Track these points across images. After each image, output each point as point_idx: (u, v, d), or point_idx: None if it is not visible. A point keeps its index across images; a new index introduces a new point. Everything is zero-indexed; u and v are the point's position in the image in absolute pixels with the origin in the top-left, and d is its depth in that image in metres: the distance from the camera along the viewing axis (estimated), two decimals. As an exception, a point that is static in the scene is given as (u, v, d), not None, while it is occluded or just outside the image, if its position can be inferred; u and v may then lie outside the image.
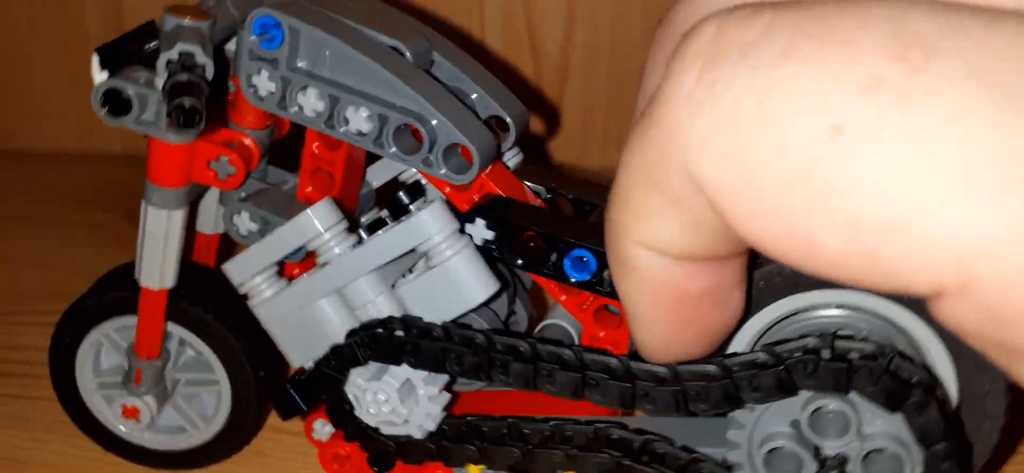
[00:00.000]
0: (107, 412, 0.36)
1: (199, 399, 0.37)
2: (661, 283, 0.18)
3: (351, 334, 0.27)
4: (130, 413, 0.35)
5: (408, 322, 0.27)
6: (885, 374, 0.22)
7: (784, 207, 0.14)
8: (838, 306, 0.25)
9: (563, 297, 0.29)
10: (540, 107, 0.60)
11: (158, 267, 0.32)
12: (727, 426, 0.25)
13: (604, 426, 0.27)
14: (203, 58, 0.26)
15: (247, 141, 0.31)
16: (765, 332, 0.26)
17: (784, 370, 0.23)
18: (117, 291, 0.35)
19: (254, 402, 0.34)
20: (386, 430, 0.28)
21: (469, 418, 0.28)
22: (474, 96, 0.31)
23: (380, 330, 0.27)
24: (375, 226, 0.29)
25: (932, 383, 0.23)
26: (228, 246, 0.36)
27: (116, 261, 0.38)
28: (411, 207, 0.30)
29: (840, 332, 0.24)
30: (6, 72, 0.67)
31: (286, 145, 0.33)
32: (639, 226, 0.17)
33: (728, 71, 0.15)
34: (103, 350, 0.36)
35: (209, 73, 0.26)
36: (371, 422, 0.28)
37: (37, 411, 0.39)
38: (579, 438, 0.27)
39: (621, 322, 0.29)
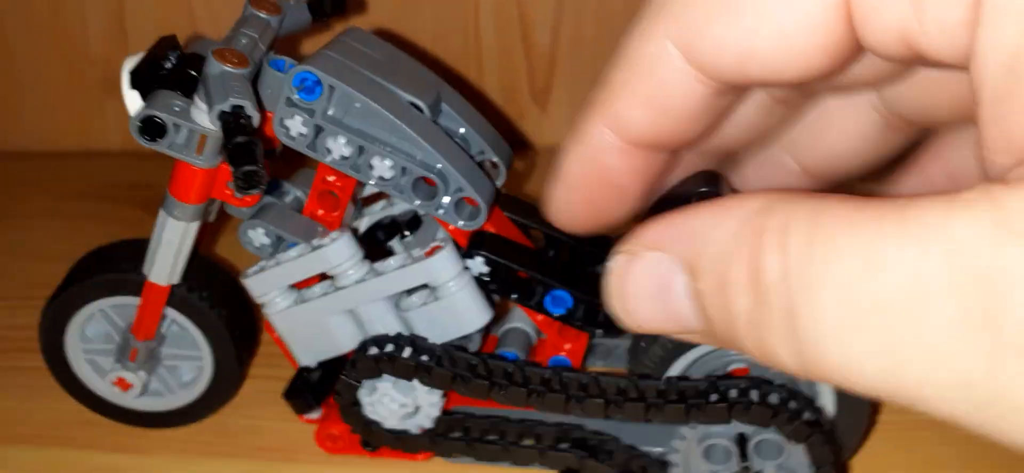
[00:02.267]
0: (94, 377, 0.39)
1: (178, 370, 0.40)
2: (599, 159, 0.21)
3: (365, 348, 0.32)
4: (123, 385, 0.38)
5: (418, 345, 0.32)
6: (799, 418, 0.30)
7: None
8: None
9: (540, 318, 0.35)
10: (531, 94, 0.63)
11: (169, 268, 0.35)
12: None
13: (567, 426, 0.33)
14: (252, 111, 0.29)
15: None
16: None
17: (726, 408, 0.30)
18: (111, 273, 0.38)
19: (234, 376, 0.39)
20: (388, 425, 0.33)
21: (456, 414, 0.34)
22: (463, 132, 0.35)
23: (399, 352, 0.31)
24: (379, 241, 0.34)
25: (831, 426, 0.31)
26: (212, 229, 0.40)
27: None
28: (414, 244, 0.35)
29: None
30: (3, 74, 0.66)
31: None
32: (608, 104, 0.20)
33: None
34: (93, 320, 0.39)
35: (256, 123, 0.29)
36: (375, 418, 0.33)
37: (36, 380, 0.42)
38: (547, 436, 0.34)
39: (578, 336, 0.36)
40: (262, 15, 0.35)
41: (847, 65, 0.18)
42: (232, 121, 0.28)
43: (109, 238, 0.40)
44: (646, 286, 0.20)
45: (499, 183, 0.36)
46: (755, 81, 0.19)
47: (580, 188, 0.23)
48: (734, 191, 0.32)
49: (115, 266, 0.38)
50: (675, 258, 0.20)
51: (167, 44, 0.33)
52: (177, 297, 0.37)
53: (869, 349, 0.15)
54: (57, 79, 0.67)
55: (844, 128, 0.24)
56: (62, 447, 0.40)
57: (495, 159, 0.35)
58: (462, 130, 0.35)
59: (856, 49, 0.17)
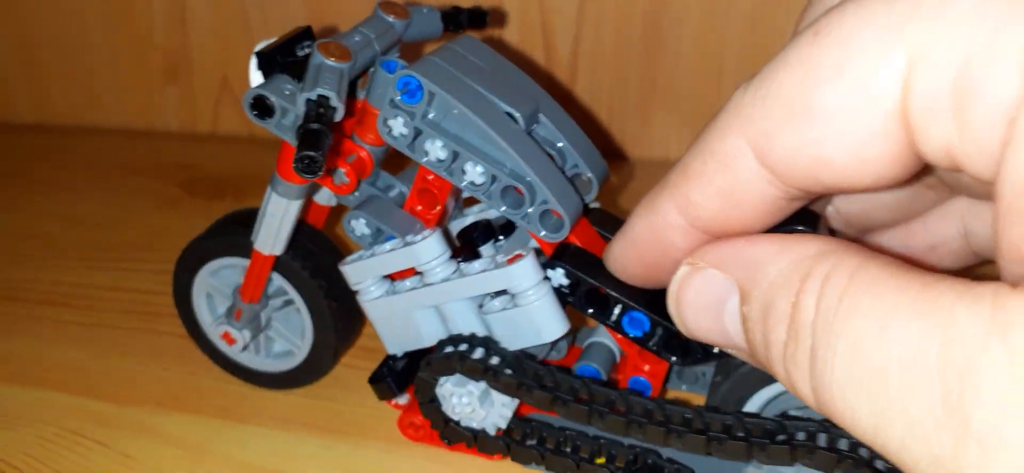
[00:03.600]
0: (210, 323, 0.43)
1: (282, 335, 0.43)
2: (664, 234, 0.23)
3: (444, 346, 0.34)
4: (228, 339, 0.42)
5: (492, 349, 0.33)
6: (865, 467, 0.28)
7: None
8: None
9: (618, 336, 0.35)
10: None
11: (272, 239, 0.38)
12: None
13: (643, 450, 0.34)
14: (337, 102, 0.30)
15: (363, 154, 0.36)
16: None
17: (789, 450, 0.29)
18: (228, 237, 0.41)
19: (331, 343, 0.41)
20: (465, 423, 0.35)
21: (533, 422, 0.35)
22: (561, 146, 0.36)
23: (472, 353, 0.33)
24: (469, 245, 0.35)
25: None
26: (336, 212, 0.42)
27: (168, 222, 0.45)
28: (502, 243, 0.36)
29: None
30: (78, 58, 0.76)
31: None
32: (682, 188, 0.22)
33: None
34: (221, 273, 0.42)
35: (339, 116, 0.30)
36: (453, 415, 0.35)
37: (99, 335, 0.49)
38: (621, 457, 0.34)
39: (659, 360, 0.36)
40: (387, 18, 0.37)
41: (915, 172, 0.19)
42: (313, 109, 0.29)
43: (150, 212, 0.43)
44: (702, 298, 0.23)
45: (590, 198, 0.36)
46: (827, 189, 0.20)
47: (641, 253, 0.25)
48: (830, 231, 0.32)
49: (248, 226, 0.40)
50: (732, 279, 0.22)
51: (302, 34, 0.35)
52: (286, 267, 0.40)
53: (864, 406, 0.17)
54: (125, 64, 0.75)
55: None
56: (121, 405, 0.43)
57: (588, 174, 0.36)
58: (559, 143, 0.36)
59: (918, 162, 0.18)
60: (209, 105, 0.74)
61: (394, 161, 0.38)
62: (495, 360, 0.32)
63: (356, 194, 0.37)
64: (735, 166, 0.20)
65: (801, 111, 0.18)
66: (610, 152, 0.67)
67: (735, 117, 0.20)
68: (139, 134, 0.75)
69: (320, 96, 0.30)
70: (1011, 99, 0.15)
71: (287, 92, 0.34)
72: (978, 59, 0.15)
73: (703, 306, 0.23)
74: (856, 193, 0.26)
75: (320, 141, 0.28)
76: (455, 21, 0.40)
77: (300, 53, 0.35)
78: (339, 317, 0.40)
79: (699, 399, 0.38)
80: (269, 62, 0.34)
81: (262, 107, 0.34)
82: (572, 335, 0.38)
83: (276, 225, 0.37)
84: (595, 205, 0.37)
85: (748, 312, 0.21)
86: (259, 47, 0.34)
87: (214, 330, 0.42)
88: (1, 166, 0.70)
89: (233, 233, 0.40)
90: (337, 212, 0.40)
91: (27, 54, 0.77)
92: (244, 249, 0.39)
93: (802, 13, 0.24)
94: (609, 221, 0.37)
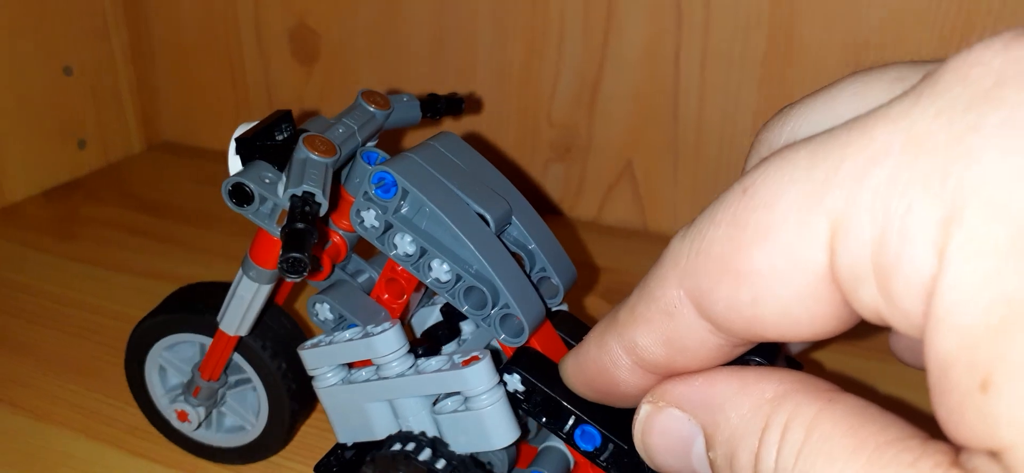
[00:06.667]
0: (163, 398, 0.42)
1: (236, 412, 0.43)
2: (612, 371, 0.23)
3: (392, 442, 0.33)
4: (182, 417, 0.41)
5: (439, 450, 0.33)
6: None
7: None
8: None
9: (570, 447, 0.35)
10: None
11: (238, 321, 0.38)
12: None
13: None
14: (321, 199, 0.30)
15: (337, 239, 0.36)
16: None
17: None
18: (191, 313, 0.41)
19: (285, 424, 0.40)
20: (403, 522, 0.34)
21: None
22: (531, 248, 0.36)
23: (417, 453, 0.32)
24: (433, 341, 0.35)
25: None
26: (296, 289, 0.42)
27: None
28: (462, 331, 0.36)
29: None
30: (188, 84, 0.86)
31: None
32: (628, 330, 0.22)
33: None
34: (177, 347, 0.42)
35: (323, 212, 0.30)
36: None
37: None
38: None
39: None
40: (369, 108, 0.38)
41: (855, 323, 0.19)
42: (298, 205, 0.29)
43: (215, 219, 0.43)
44: (667, 440, 0.23)
45: (555, 303, 0.36)
46: (767, 340, 0.20)
47: (590, 380, 0.25)
48: (789, 360, 0.32)
49: (209, 303, 0.40)
50: (695, 422, 0.22)
51: (281, 118, 0.36)
52: (245, 346, 0.39)
53: None
54: (221, 90, 0.83)
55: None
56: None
57: (555, 280, 0.36)
58: (530, 245, 0.36)
59: (856, 315, 0.18)
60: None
61: (366, 244, 0.39)
62: (441, 464, 0.32)
63: (325, 282, 0.37)
64: (676, 315, 0.20)
65: (732, 272, 0.18)
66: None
67: (673, 267, 0.20)
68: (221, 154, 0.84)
69: (305, 193, 0.30)
70: (926, 276, 0.15)
71: (267, 180, 0.34)
72: (894, 233, 0.15)
73: (670, 448, 0.23)
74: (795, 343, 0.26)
75: (305, 242, 0.28)
76: (433, 108, 0.41)
77: (279, 137, 0.35)
78: (296, 399, 0.40)
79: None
80: (248, 148, 0.34)
81: (241, 194, 0.34)
82: (527, 436, 0.38)
83: (244, 308, 0.37)
84: (561, 308, 0.38)
85: (714, 458, 0.21)
86: (238, 132, 0.35)
87: (167, 406, 0.42)
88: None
89: (190, 310, 0.40)
90: (297, 287, 0.40)
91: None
92: (194, 326, 0.40)
93: (750, 148, 0.25)
94: (574, 326, 0.37)
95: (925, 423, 0.17)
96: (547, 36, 0.69)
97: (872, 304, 0.17)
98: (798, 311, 0.18)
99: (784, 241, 0.17)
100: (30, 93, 0.75)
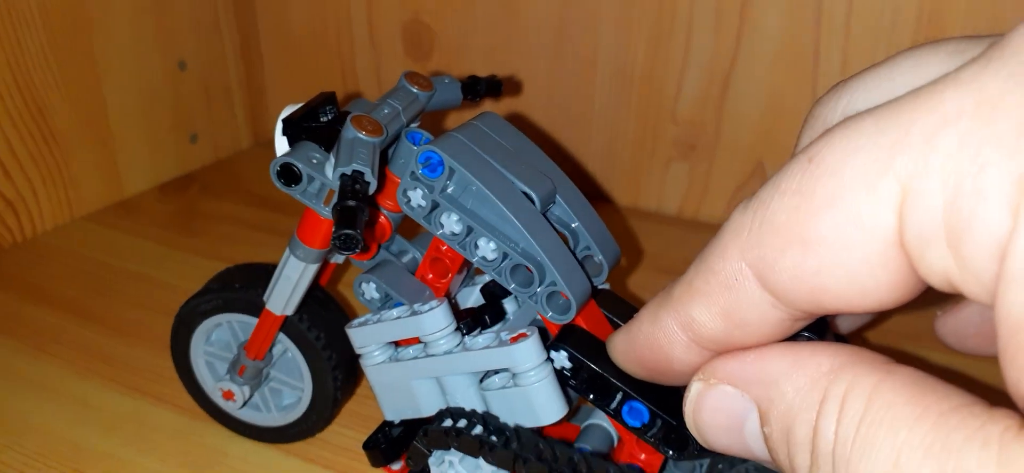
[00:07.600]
0: (208, 379, 0.43)
1: (281, 393, 0.43)
2: (665, 347, 0.23)
3: (440, 418, 0.33)
4: (228, 395, 0.42)
5: (490, 424, 0.33)
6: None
7: None
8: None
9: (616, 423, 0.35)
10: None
11: (285, 300, 0.38)
12: None
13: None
14: (371, 177, 0.31)
15: (383, 219, 0.37)
16: None
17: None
18: (238, 292, 0.41)
19: (327, 411, 0.41)
20: (453, 497, 0.34)
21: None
22: (574, 227, 0.36)
23: (470, 428, 0.32)
24: (476, 318, 0.35)
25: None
26: (338, 271, 0.43)
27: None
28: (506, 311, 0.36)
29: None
30: (296, 78, 0.87)
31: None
32: (685, 305, 0.22)
33: None
34: (219, 329, 0.43)
35: (372, 190, 0.31)
36: (442, 483, 0.34)
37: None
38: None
39: (655, 451, 0.35)
40: (412, 89, 0.38)
41: (920, 292, 0.19)
42: (348, 184, 0.30)
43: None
44: (719, 417, 0.23)
45: (600, 281, 0.36)
46: (832, 312, 0.20)
47: (641, 356, 0.25)
48: (837, 336, 0.32)
49: (252, 284, 0.41)
50: (749, 397, 0.22)
51: (325, 99, 0.36)
52: (291, 327, 0.40)
53: None
54: (332, 88, 0.81)
55: None
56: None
57: (599, 257, 0.36)
58: (574, 224, 0.36)
59: (922, 283, 0.18)
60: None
61: (410, 224, 0.39)
62: (494, 437, 0.32)
63: (372, 262, 0.37)
64: (737, 288, 0.20)
65: (798, 241, 0.18)
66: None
67: (735, 239, 0.20)
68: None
69: (355, 172, 0.30)
70: (1000, 235, 0.15)
71: (314, 161, 0.34)
72: (967, 193, 0.15)
73: (722, 425, 0.23)
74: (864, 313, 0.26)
75: (357, 218, 0.28)
76: (474, 91, 0.41)
77: (323, 119, 0.35)
78: (340, 370, 0.40)
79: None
80: (295, 129, 0.35)
81: (289, 175, 0.34)
82: (570, 414, 0.38)
83: (291, 287, 0.38)
84: (605, 287, 0.38)
85: (770, 433, 0.21)
86: (285, 113, 0.35)
87: (215, 387, 0.42)
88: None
89: (231, 289, 0.41)
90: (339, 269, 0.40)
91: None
92: (240, 306, 0.40)
93: (803, 125, 0.25)
94: (618, 305, 0.37)
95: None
96: (674, 30, 0.66)
97: (941, 267, 0.17)
98: (864, 278, 0.18)
99: (852, 207, 0.17)
100: (149, 87, 0.76)
